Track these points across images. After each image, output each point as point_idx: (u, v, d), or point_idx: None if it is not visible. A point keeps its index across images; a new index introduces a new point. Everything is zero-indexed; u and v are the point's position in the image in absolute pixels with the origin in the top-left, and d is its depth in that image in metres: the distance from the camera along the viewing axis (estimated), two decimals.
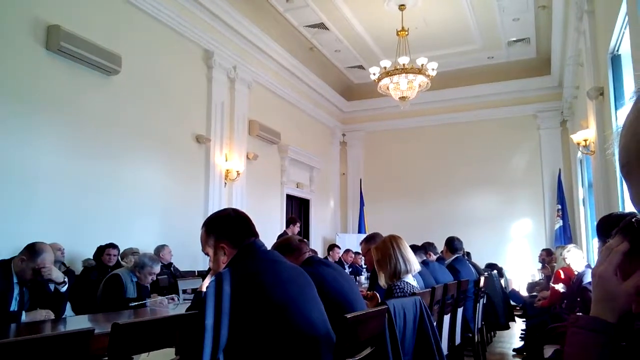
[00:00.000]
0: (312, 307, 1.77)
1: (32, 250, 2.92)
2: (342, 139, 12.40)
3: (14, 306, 2.86)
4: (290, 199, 9.93)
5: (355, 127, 12.28)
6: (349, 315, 1.52)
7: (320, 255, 7.69)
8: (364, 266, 8.32)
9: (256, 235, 1.92)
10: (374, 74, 7.69)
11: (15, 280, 2.90)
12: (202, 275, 5.80)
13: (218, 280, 1.66)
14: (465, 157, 10.99)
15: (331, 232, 11.43)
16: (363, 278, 6.40)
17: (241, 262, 1.79)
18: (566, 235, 9.34)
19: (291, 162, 9.79)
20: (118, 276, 3.71)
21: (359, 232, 10.93)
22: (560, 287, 4.81)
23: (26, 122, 4.89)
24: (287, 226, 7.85)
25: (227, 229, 1.88)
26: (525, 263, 9.90)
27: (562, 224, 9.50)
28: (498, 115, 10.81)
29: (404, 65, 7.46)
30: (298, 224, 7.78)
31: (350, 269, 7.70)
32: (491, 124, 10.86)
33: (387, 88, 7.79)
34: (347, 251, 8.27)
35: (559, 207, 9.66)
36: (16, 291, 2.91)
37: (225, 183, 7.66)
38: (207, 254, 1.93)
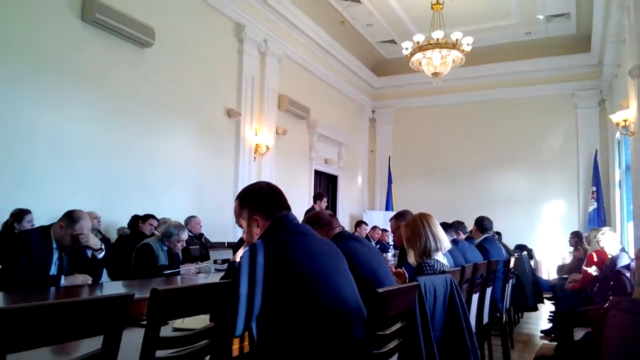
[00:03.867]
0: (343, 280, 1.78)
1: (71, 217, 3.02)
2: (372, 115, 12.27)
3: (53, 270, 2.99)
4: (318, 174, 9.95)
5: (385, 103, 12.12)
6: (380, 290, 1.52)
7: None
8: (390, 243, 8.32)
9: (288, 208, 1.93)
10: (407, 49, 7.51)
11: (54, 245, 3.01)
12: (232, 246, 5.92)
13: (252, 251, 1.69)
14: (497, 136, 10.75)
15: (358, 208, 11.44)
16: (390, 255, 6.41)
17: (274, 234, 1.80)
18: (600, 218, 9.11)
19: (320, 137, 9.77)
20: (149, 245, 3.83)
21: (387, 209, 10.91)
22: (593, 270, 4.72)
23: (62, 92, 5.00)
24: (315, 202, 7.88)
25: (260, 201, 1.90)
26: (556, 245, 9.72)
27: (596, 207, 9.26)
28: (533, 94, 10.48)
29: (437, 40, 7.25)
30: (325, 200, 7.79)
31: (377, 246, 7.70)
32: (526, 103, 10.55)
33: (420, 63, 7.62)
34: (374, 228, 8.27)
35: (594, 189, 9.39)
36: (55, 256, 3.03)
37: (255, 157, 7.72)
38: (240, 225, 1.95)
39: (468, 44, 7.29)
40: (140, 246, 3.87)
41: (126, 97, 5.68)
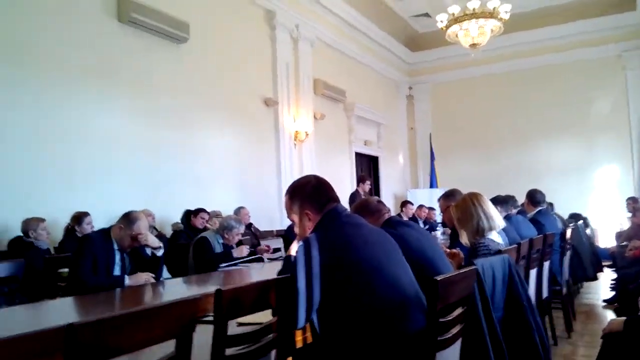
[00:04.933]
0: (399, 269, 1.78)
1: (128, 218, 3.14)
2: (409, 92, 12.04)
3: (116, 271, 3.12)
4: (359, 156, 9.91)
5: (421, 79, 11.86)
6: (439, 278, 1.51)
7: (393, 212, 7.68)
8: (438, 221, 8.22)
9: (337, 200, 1.94)
10: (441, 22, 7.29)
11: (116, 247, 3.15)
12: (281, 235, 6.02)
13: (306, 246, 1.71)
14: (542, 104, 10.34)
15: (402, 188, 11.34)
16: (439, 233, 6.35)
17: (326, 227, 1.82)
18: None
19: (358, 119, 9.70)
20: (206, 239, 3.95)
21: (431, 186, 10.77)
22: None
23: (105, 93, 5.14)
24: (358, 184, 7.87)
25: (309, 195, 1.91)
26: (611, 212, 9.33)
27: None
28: (577, 58, 9.99)
29: (474, 9, 7.00)
30: (368, 182, 7.79)
31: (425, 226, 7.63)
32: (570, 68, 10.08)
33: (456, 36, 7.39)
34: (421, 207, 8.18)
35: None
36: (117, 257, 3.16)
37: (295, 144, 7.76)
38: (292, 220, 1.98)
39: (506, 12, 7.00)
40: (197, 240, 4.01)
41: (166, 93, 5.81)
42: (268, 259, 4.08)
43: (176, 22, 5.75)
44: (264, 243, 4.92)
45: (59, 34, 4.79)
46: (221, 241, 4.00)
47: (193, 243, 4.01)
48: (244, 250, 3.95)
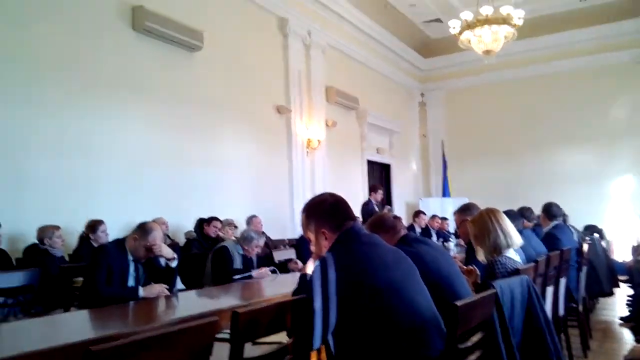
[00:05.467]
0: (417, 291, 1.76)
1: (143, 229, 3.14)
2: (421, 99, 12.01)
3: (131, 282, 3.13)
4: (371, 164, 9.88)
5: (434, 85, 11.82)
6: (459, 303, 1.49)
7: (405, 221, 7.63)
8: (451, 232, 8.15)
9: (354, 218, 1.93)
10: (454, 28, 7.23)
11: (130, 257, 3.16)
12: (292, 245, 6.00)
13: (323, 265, 1.70)
14: (557, 111, 10.23)
15: (414, 196, 11.28)
16: (452, 244, 6.28)
17: (343, 246, 1.80)
18: None
19: (370, 127, 9.68)
20: (226, 248, 3.98)
21: (444, 195, 10.69)
22: None
23: (119, 102, 5.21)
24: (370, 194, 7.84)
25: (326, 213, 1.90)
26: (628, 224, 9.18)
27: None
28: (594, 64, 9.87)
29: (486, 15, 6.94)
30: (381, 191, 7.75)
31: (437, 237, 7.56)
32: (586, 73, 9.96)
33: (469, 42, 7.32)
34: (434, 217, 8.11)
35: None
36: (132, 267, 3.17)
37: (307, 152, 7.76)
38: (308, 238, 1.97)
39: (519, 18, 6.93)
40: (217, 249, 4.03)
41: (180, 102, 5.85)
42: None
43: (190, 30, 5.80)
44: (276, 253, 4.91)
45: (76, 45, 4.86)
46: (241, 252, 4.03)
47: (213, 252, 4.04)
48: (265, 272, 3.94)
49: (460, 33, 7.20)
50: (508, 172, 10.52)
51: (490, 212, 2.67)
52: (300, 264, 4.47)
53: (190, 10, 6.00)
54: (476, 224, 2.68)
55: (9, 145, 4.35)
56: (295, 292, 1.92)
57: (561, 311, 3.51)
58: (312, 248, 1.97)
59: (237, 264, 3.95)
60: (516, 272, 2.33)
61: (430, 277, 2.00)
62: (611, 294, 5.62)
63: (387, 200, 10.11)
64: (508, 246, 2.56)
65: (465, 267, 2.78)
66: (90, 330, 2.38)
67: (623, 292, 6.15)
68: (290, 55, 7.63)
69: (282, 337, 1.65)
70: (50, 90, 4.63)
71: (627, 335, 4.73)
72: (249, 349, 1.47)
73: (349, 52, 9.21)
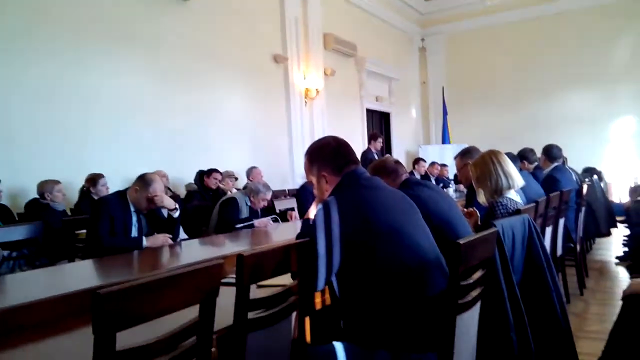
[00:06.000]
0: (419, 232, 1.76)
1: (144, 180, 3.14)
2: (421, 44, 11.72)
3: (134, 232, 3.16)
4: (370, 113, 9.78)
5: (435, 29, 11.51)
6: (461, 241, 1.49)
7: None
8: (451, 178, 8.17)
9: (357, 162, 1.91)
10: None
11: (132, 209, 3.17)
12: (293, 194, 6.03)
13: (325, 209, 1.69)
14: (558, 53, 10.02)
15: (414, 144, 11.24)
16: (451, 190, 6.31)
17: (345, 190, 1.79)
18: None
19: (369, 74, 9.50)
20: (235, 199, 4.05)
21: (443, 142, 10.65)
22: None
23: (114, 54, 5.09)
24: (370, 142, 7.80)
25: (328, 157, 1.88)
26: (627, 166, 9.20)
27: None
28: (595, 2, 9.55)
29: None
30: (380, 140, 7.70)
31: (437, 183, 7.59)
32: (587, 13, 9.70)
33: None
34: (433, 164, 8.11)
35: None
36: (134, 219, 3.19)
37: (306, 102, 7.66)
38: (310, 182, 1.96)
39: None
40: (226, 199, 4.12)
41: (174, 52, 5.71)
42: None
43: None
44: (277, 202, 4.94)
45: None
46: (248, 203, 4.09)
47: (221, 202, 4.09)
48: (266, 220, 3.99)
49: None
50: (508, 117, 10.44)
51: (492, 154, 2.66)
52: (295, 213, 4.53)
53: None
54: (478, 166, 2.67)
55: (8, 103, 4.29)
56: (299, 237, 1.93)
57: (559, 251, 3.56)
58: (315, 192, 1.97)
59: (244, 214, 4.03)
60: (517, 212, 2.35)
61: (433, 219, 2.01)
62: (608, 234, 5.71)
63: (387, 148, 10.08)
64: (509, 188, 2.57)
65: (465, 209, 2.79)
66: (96, 279, 2.42)
67: (620, 232, 6.25)
68: (286, 1, 7.38)
69: (285, 280, 1.67)
70: (48, 46, 4.53)
71: (623, 274, 4.83)
72: (254, 291, 1.48)
73: None
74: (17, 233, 3.37)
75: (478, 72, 10.85)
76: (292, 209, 4.68)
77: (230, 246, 3.21)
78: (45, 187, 4.23)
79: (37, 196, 4.26)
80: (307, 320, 1.84)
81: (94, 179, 4.49)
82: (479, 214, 2.74)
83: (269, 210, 4.44)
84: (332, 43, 8.29)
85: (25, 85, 4.41)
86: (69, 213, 4.43)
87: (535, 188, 3.77)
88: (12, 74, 4.34)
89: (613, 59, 9.65)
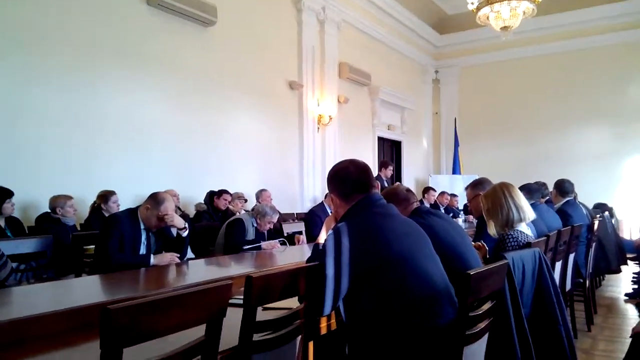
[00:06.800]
0: (429, 261, 1.76)
1: (156, 199, 3.17)
2: (435, 76, 11.83)
3: (142, 250, 3.17)
4: (381, 141, 9.82)
5: (448, 62, 11.62)
6: (472, 272, 1.49)
7: None
8: (460, 209, 8.13)
9: (372, 187, 1.91)
10: (472, 3, 7.08)
11: (142, 226, 3.19)
12: (301, 218, 6.03)
13: (336, 234, 1.70)
14: (572, 89, 10.04)
15: (424, 173, 11.23)
16: (460, 220, 6.27)
17: (357, 215, 1.80)
18: None
19: (382, 103, 9.59)
20: (241, 221, 4.05)
21: (454, 173, 10.64)
22: None
23: (133, 76, 5.21)
24: (380, 169, 7.82)
25: (337, 182, 1.91)
26: (638, 203, 9.09)
27: None
28: (612, 42, 9.62)
29: None
30: (391, 167, 7.73)
31: (450, 214, 7.55)
32: (604, 51, 9.73)
33: (487, 18, 7.18)
34: (443, 193, 8.08)
35: None
36: (143, 236, 3.20)
37: (319, 128, 7.72)
38: (330, 205, 1.98)
39: None
40: (232, 220, 4.12)
41: (193, 77, 5.82)
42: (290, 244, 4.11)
43: (204, 4, 5.73)
44: (285, 225, 4.94)
45: (89, 15, 4.84)
46: (254, 225, 4.08)
47: (227, 223, 4.08)
48: (274, 243, 3.98)
49: (479, 9, 7.06)
50: (520, 150, 10.41)
51: (504, 187, 2.65)
52: (303, 237, 4.54)
53: None
54: (489, 197, 2.66)
55: (24, 117, 4.39)
56: (309, 261, 1.93)
57: (568, 285, 3.51)
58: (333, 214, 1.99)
59: (250, 235, 4.02)
60: (527, 245, 2.33)
61: (442, 248, 2.00)
62: (618, 271, 5.62)
63: (397, 176, 10.08)
64: (520, 220, 2.55)
65: (473, 243, 2.77)
66: (103, 294, 2.42)
67: (630, 269, 6.15)
68: (304, 31, 7.53)
69: (290, 303, 1.66)
70: (64, 63, 4.63)
71: (632, 312, 4.74)
72: (259, 313, 1.48)
73: (363, 28, 9.05)
74: (27, 246, 3.39)
75: (490, 104, 10.89)
76: (300, 233, 4.68)
77: (236, 267, 3.20)
78: (57, 201, 4.28)
79: (49, 210, 4.30)
80: (311, 345, 1.82)
81: (105, 196, 4.53)
82: (487, 248, 2.72)
83: (277, 233, 4.44)
84: (347, 72, 8.41)
85: (44, 103, 4.51)
86: (79, 228, 4.46)
87: (553, 221, 3.76)
88: (37, 95, 4.45)
89: (627, 96, 9.65)
